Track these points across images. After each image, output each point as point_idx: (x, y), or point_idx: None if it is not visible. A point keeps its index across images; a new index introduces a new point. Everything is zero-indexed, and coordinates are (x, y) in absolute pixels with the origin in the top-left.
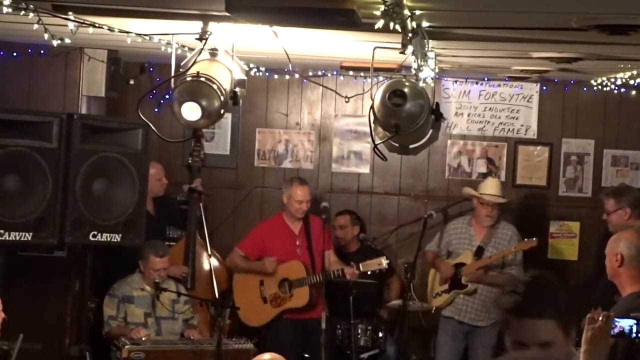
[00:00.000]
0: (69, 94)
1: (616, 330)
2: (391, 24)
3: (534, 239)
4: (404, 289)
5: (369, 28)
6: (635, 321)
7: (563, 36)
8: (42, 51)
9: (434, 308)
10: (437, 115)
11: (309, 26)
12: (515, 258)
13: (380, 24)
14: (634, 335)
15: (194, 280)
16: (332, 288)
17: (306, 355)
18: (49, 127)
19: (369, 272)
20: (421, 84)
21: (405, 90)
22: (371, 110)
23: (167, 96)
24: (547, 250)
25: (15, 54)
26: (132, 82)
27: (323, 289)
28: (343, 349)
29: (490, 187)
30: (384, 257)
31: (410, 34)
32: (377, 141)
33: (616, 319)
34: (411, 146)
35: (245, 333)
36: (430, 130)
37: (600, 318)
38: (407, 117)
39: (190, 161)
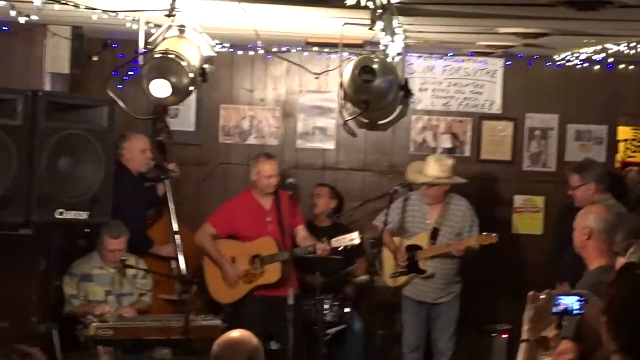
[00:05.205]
0: (32, 70)
1: (560, 308)
2: (362, 0)
3: (494, 235)
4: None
5: (338, 4)
6: (577, 297)
7: (531, 12)
8: (4, 27)
9: (391, 287)
10: (406, 91)
11: (279, 2)
12: (470, 234)
13: (351, 0)
14: (575, 312)
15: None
16: (299, 264)
17: (274, 332)
18: (13, 104)
19: (339, 248)
20: (388, 60)
21: (375, 66)
22: (340, 87)
23: (130, 73)
24: (511, 225)
25: None
26: (95, 58)
27: (291, 264)
28: (310, 325)
29: (430, 168)
30: (357, 232)
31: (380, 10)
32: (346, 117)
33: (559, 297)
34: (380, 122)
35: (211, 309)
36: (399, 106)
37: (542, 296)
38: (376, 93)
39: (161, 138)
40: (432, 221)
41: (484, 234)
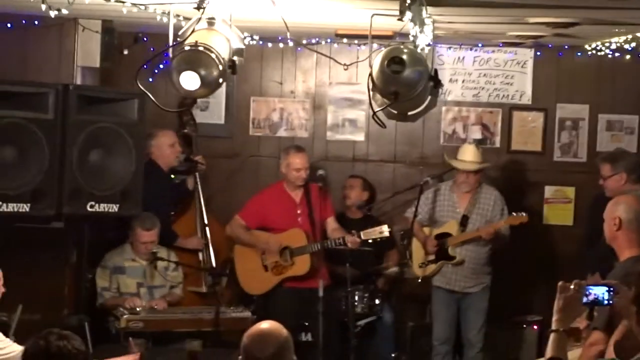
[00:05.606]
0: (63, 64)
1: (590, 298)
2: None
3: (524, 214)
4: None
5: None
6: (607, 288)
7: (561, 1)
8: (36, 22)
9: (420, 278)
10: (435, 82)
11: None
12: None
13: None
14: (606, 302)
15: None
16: (330, 256)
17: (306, 324)
18: (44, 98)
19: (369, 241)
20: (418, 50)
21: (404, 57)
22: (369, 78)
23: (160, 66)
24: (542, 216)
25: (9, 25)
26: (126, 52)
27: (321, 256)
28: (340, 317)
29: (466, 154)
30: (386, 225)
31: (408, 1)
32: (376, 108)
33: (589, 287)
34: (409, 113)
35: (241, 301)
36: (429, 97)
37: (572, 286)
38: (406, 84)
39: (187, 131)
40: (462, 209)
41: (513, 214)
